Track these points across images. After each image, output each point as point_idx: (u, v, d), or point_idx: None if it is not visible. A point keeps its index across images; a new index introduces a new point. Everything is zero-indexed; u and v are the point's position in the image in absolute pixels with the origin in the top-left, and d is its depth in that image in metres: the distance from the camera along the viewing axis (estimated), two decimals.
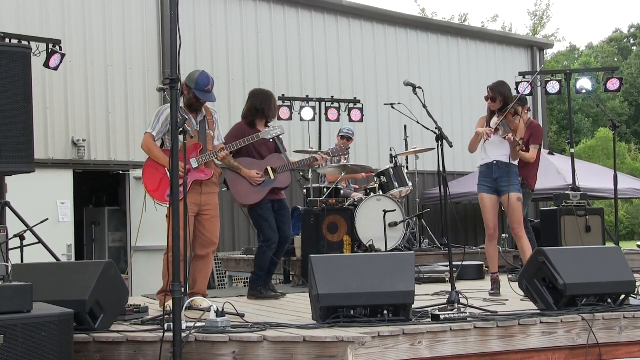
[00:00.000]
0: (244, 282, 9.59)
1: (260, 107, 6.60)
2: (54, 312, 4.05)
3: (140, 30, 11.59)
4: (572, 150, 9.73)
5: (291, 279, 8.29)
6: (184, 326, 4.24)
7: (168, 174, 5.31)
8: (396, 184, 8.86)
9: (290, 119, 10.36)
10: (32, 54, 5.72)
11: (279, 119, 9.83)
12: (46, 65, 8.85)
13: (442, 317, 4.64)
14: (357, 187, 9.82)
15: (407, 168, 10.03)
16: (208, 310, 4.66)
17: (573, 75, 10.22)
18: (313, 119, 10.36)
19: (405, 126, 10.90)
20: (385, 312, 4.55)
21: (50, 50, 8.79)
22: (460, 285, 6.14)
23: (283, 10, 13.15)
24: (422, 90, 5.69)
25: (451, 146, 5.42)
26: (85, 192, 12.63)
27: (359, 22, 14.04)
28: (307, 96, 10.62)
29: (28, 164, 5.42)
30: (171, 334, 4.10)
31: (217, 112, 6.05)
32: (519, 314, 4.87)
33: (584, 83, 10.17)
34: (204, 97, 5.74)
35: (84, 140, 10.85)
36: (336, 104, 10.67)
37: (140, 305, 5.24)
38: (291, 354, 4.19)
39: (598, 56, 44.19)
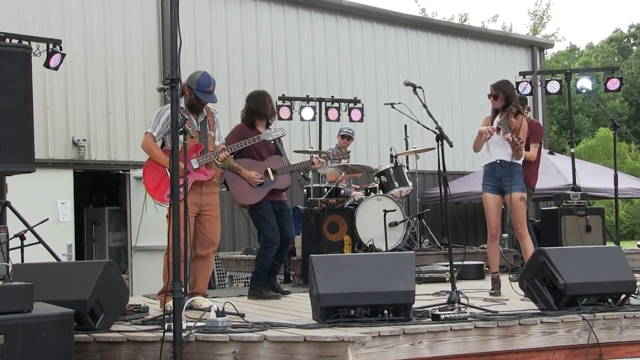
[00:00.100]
0: (245, 282, 9.60)
1: (256, 108, 6.62)
2: (55, 312, 4.05)
3: (140, 30, 11.60)
4: (573, 150, 9.73)
5: (291, 278, 8.29)
6: (184, 326, 4.24)
7: (168, 173, 5.31)
8: (396, 184, 8.86)
9: (290, 118, 10.36)
10: (32, 54, 5.73)
11: (279, 118, 9.83)
12: (46, 65, 8.85)
13: (442, 316, 4.64)
14: (357, 186, 9.83)
15: (408, 168, 10.04)
16: (208, 310, 4.66)
17: (573, 75, 10.21)
18: (313, 119, 10.36)
19: (405, 126, 10.90)
20: (386, 311, 4.55)
21: (50, 50, 8.79)
22: (461, 285, 6.14)
23: (283, 10, 13.15)
24: (422, 90, 5.69)
25: (451, 146, 5.41)
26: (85, 192, 12.63)
27: (359, 22, 14.04)
28: (307, 96, 10.62)
29: (28, 164, 5.42)
30: (171, 334, 4.10)
31: (217, 112, 6.05)
32: (519, 314, 4.87)
33: (584, 83, 10.16)
34: (205, 98, 5.74)
35: (84, 140, 10.86)
36: (336, 104, 10.67)
37: (140, 305, 5.24)
38: (291, 354, 4.19)
39: (598, 56, 44.19)
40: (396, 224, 8.48)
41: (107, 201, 13.07)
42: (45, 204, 9.88)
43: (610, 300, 5.09)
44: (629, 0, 66.79)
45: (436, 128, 5.54)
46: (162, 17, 11.66)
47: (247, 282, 8.47)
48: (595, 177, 12.69)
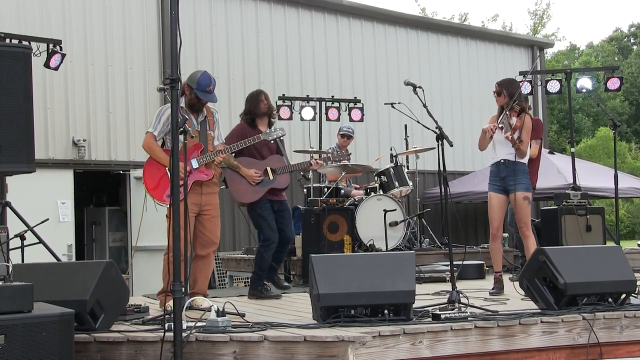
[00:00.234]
0: (245, 282, 9.60)
1: (250, 108, 6.65)
2: (55, 312, 4.05)
3: (140, 30, 11.59)
4: (573, 150, 9.72)
5: (292, 278, 8.29)
6: (184, 326, 4.24)
7: (168, 173, 5.32)
8: (396, 184, 8.86)
9: (290, 118, 10.35)
10: (32, 54, 5.73)
11: (280, 118, 9.83)
12: (46, 65, 8.85)
13: (442, 316, 4.64)
14: (357, 186, 9.83)
15: (408, 167, 10.03)
16: (209, 310, 4.66)
17: (573, 75, 10.20)
18: (313, 119, 10.36)
19: (405, 125, 10.90)
20: (386, 311, 4.55)
21: (50, 51, 8.79)
22: (461, 285, 6.13)
23: (283, 10, 13.15)
24: (422, 90, 5.69)
25: (451, 145, 5.41)
26: (85, 192, 12.63)
27: (359, 22, 14.04)
28: (308, 96, 10.62)
29: (28, 164, 5.42)
30: (172, 334, 4.10)
31: (217, 111, 6.05)
32: (519, 314, 4.87)
33: (584, 82, 10.15)
34: (205, 98, 5.74)
35: (84, 140, 10.86)
36: (336, 104, 10.66)
37: (140, 305, 5.24)
38: (292, 354, 4.19)
39: (598, 55, 44.18)
40: (396, 223, 8.48)
41: (108, 201, 13.08)
42: (46, 204, 9.88)
43: (610, 299, 5.08)
44: (629, 0, 66.80)
45: (436, 128, 5.54)
46: (162, 17, 11.66)
47: (248, 282, 8.47)
48: (595, 176, 12.69)
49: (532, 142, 7.44)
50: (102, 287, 4.57)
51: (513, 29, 41.14)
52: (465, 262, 7.72)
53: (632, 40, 48.57)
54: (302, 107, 10.39)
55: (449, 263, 5.60)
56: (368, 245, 8.30)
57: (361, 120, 10.82)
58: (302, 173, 8.65)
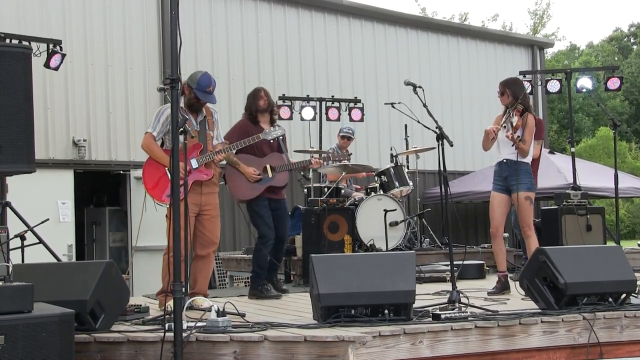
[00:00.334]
0: (245, 282, 9.59)
1: (251, 104, 6.69)
2: (55, 312, 4.05)
3: (140, 30, 11.60)
4: (573, 149, 9.71)
5: (292, 278, 8.29)
6: (184, 326, 4.24)
7: (168, 173, 5.32)
8: (397, 183, 8.86)
9: (290, 118, 10.35)
10: (32, 54, 5.72)
11: (280, 118, 9.83)
12: (47, 65, 8.84)
13: (442, 316, 4.64)
14: (358, 186, 9.82)
15: (408, 167, 10.03)
16: (209, 310, 4.66)
17: (573, 74, 10.20)
18: (313, 119, 10.35)
19: (405, 125, 10.89)
20: (386, 311, 4.55)
21: (50, 51, 8.78)
22: (461, 285, 6.13)
23: (283, 10, 13.15)
24: (423, 90, 5.69)
25: (451, 145, 5.41)
26: (85, 192, 12.63)
27: (359, 22, 14.04)
28: (308, 96, 10.62)
29: (29, 164, 5.42)
30: (172, 334, 4.10)
31: (217, 111, 6.05)
32: (519, 313, 4.87)
33: (585, 82, 10.15)
34: (205, 98, 5.74)
35: (84, 140, 10.86)
36: (337, 104, 10.66)
37: (141, 305, 5.24)
38: (292, 354, 4.19)
39: (598, 55, 44.18)
40: (397, 223, 8.47)
41: (108, 201, 13.08)
42: (46, 204, 9.88)
43: (610, 299, 5.08)
44: (629, 0, 66.80)
45: (436, 127, 5.54)
46: (162, 17, 11.66)
47: (248, 282, 8.47)
48: (595, 176, 12.69)
49: (533, 142, 7.44)
50: (102, 288, 4.57)
51: (513, 29, 41.18)
52: (465, 262, 7.72)
53: (632, 40, 48.57)
54: (302, 107, 10.39)
55: (449, 263, 5.59)
56: (368, 245, 8.29)
57: (361, 120, 10.82)
58: (302, 173, 8.65)
